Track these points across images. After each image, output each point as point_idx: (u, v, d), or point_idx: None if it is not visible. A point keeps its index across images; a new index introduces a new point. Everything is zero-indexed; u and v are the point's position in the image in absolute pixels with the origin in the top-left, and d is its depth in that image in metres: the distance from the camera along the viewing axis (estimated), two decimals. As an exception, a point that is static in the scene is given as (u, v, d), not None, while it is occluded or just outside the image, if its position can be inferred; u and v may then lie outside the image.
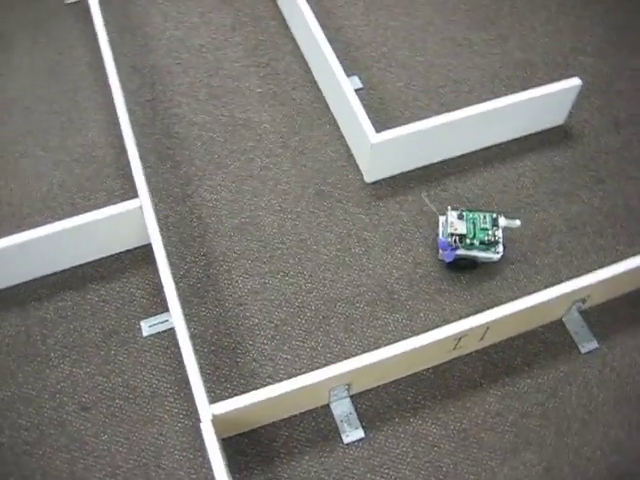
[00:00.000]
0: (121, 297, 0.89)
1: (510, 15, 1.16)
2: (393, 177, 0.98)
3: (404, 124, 0.98)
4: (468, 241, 0.89)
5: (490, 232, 0.89)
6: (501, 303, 0.81)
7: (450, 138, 0.97)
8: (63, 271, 0.90)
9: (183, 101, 1.04)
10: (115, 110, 0.93)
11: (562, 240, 0.94)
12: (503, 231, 0.90)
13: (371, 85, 1.07)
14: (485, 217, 0.90)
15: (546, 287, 0.81)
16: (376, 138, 0.91)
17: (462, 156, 1.00)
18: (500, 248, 0.89)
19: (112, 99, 0.94)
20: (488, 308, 0.80)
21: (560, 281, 0.82)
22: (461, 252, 0.89)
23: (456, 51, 1.11)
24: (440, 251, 0.91)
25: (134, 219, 0.86)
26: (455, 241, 0.88)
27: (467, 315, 0.84)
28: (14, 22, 1.13)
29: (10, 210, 0.95)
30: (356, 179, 0.98)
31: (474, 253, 0.89)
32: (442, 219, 0.91)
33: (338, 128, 1.02)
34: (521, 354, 0.86)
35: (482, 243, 0.89)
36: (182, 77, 1.07)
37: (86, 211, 0.92)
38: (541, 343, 0.87)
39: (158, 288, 0.89)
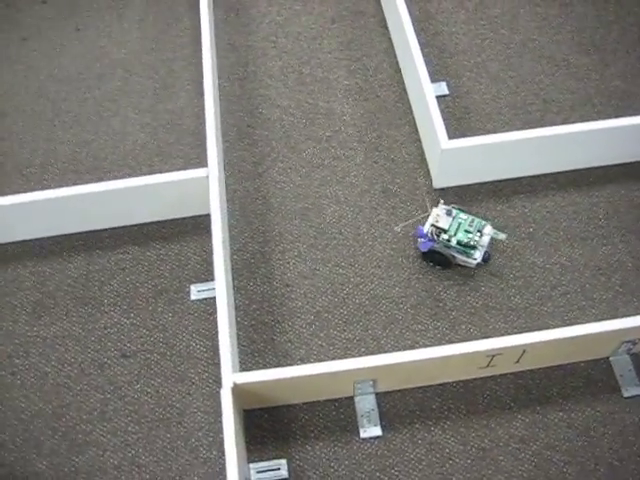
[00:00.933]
0: (178, 259, 0.93)
1: (617, 42, 1.12)
2: (462, 187, 0.98)
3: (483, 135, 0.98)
4: (446, 237, 0.88)
5: (471, 236, 0.88)
6: (546, 329, 0.79)
7: (524, 156, 0.95)
8: (130, 226, 0.95)
9: (272, 84, 1.07)
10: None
11: (626, 278, 0.91)
12: (490, 241, 0.89)
13: (458, 93, 1.06)
14: (473, 221, 0.89)
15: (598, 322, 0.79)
16: (447, 144, 0.91)
17: (536, 176, 0.98)
18: (477, 255, 0.88)
19: (200, 81, 0.98)
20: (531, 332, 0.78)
21: (614, 318, 0.79)
22: (436, 246, 0.89)
23: (552, 71, 1.08)
24: (418, 239, 0.90)
25: (200, 187, 0.90)
26: (432, 233, 0.88)
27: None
28: None
29: (95, 163, 1.01)
30: (425, 183, 0.98)
31: (449, 251, 0.89)
32: (434, 210, 0.90)
33: (416, 131, 1.02)
34: (558, 385, 0.84)
35: (459, 244, 0.88)
36: (275, 61, 1.10)
37: (162, 173, 0.97)
38: (582, 378, 0.84)
39: (212, 257, 0.92)
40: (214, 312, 0.89)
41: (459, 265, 0.91)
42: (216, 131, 0.93)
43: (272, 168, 1.00)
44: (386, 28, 1.13)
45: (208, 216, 0.94)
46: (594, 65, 1.09)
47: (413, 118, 1.04)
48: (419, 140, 1.02)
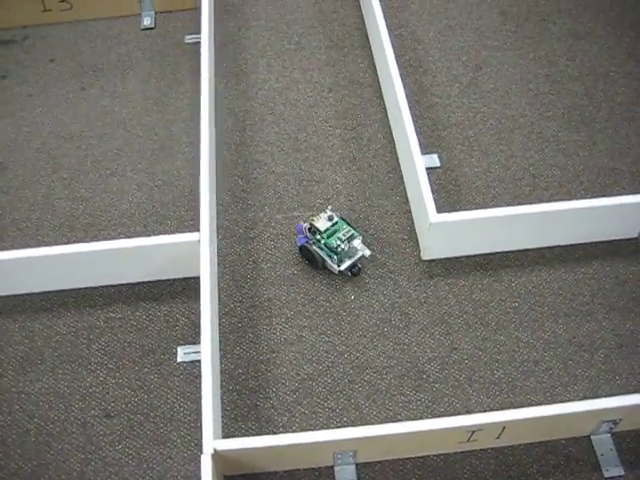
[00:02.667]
0: (166, 320, 0.94)
1: (606, 120, 1.15)
2: (450, 259, 0.99)
3: (473, 209, 1.00)
4: (318, 237, 0.94)
5: (340, 243, 0.94)
6: (529, 406, 0.79)
7: (512, 231, 0.97)
8: (121, 285, 0.97)
9: (267, 150, 1.10)
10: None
11: (609, 356, 0.92)
12: (360, 257, 0.95)
13: (450, 166, 1.09)
14: (348, 231, 0.95)
15: (581, 400, 0.80)
16: (436, 218, 0.93)
17: (523, 251, 1.00)
18: (343, 265, 0.94)
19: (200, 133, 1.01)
20: (514, 408, 0.79)
21: (598, 397, 0.80)
22: (308, 244, 0.95)
23: (542, 147, 1.11)
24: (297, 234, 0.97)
25: (192, 250, 0.91)
26: (306, 230, 0.95)
27: (492, 410, 0.84)
28: (138, 53, 1.24)
29: (91, 220, 1.03)
30: (413, 254, 1.00)
31: (319, 252, 0.95)
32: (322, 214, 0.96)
33: (407, 202, 1.05)
34: (539, 463, 0.84)
35: (327, 246, 0.94)
36: (272, 127, 1.13)
37: (156, 234, 0.99)
38: (563, 456, 0.84)
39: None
40: (199, 375, 0.89)
41: (326, 269, 0.96)
42: (210, 196, 0.95)
43: (264, 233, 1.01)
44: (381, 98, 1.17)
45: (198, 278, 0.96)
46: (583, 142, 1.12)
47: (404, 189, 1.06)
48: (409, 211, 1.04)
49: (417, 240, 1.01)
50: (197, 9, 1.29)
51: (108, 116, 1.15)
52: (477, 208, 1.03)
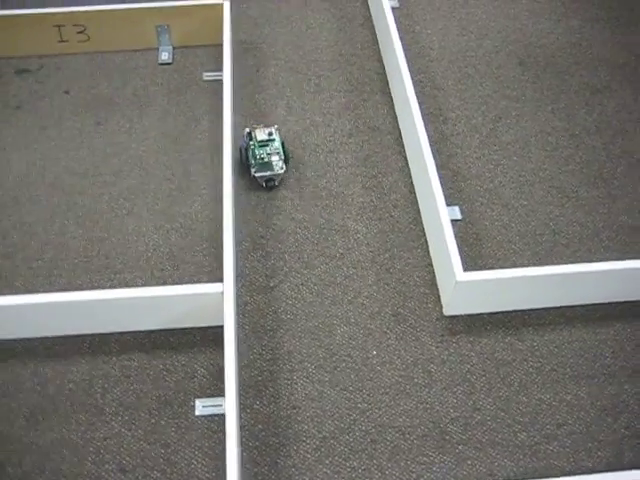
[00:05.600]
0: (184, 371, 0.92)
1: (624, 176, 1.15)
2: (472, 315, 0.98)
3: (493, 264, 1.00)
4: (252, 143, 1.09)
5: (265, 155, 1.08)
6: (553, 474, 0.78)
7: (536, 290, 0.96)
8: (137, 332, 0.94)
9: (287, 195, 1.09)
10: (222, 189, 0.98)
11: (631, 420, 0.91)
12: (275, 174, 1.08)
13: (470, 218, 1.08)
14: (276, 149, 1.08)
15: (607, 467, 0.79)
16: (462, 276, 0.92)
17: (544, 309, 0.99)
18: (258, 173, 1.07)
19: (222, 177, 0.99)
20: (539, 473, 0.78)
21: (622, 464, 0.79)
22: (244, 147, 1.09)
23: (562, 202, 1.11)
24: None
25: (214, 301, 0.89)
26: (247, 134, 1.09)
27: (515, 475, 0.83)
28: (155, 88, 1.22)
29: (106, 262, 1.01)
30: (435, 309, 0.99)
31: (247, 155, 1.09)
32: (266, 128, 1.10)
33: (428, 255, 1.04)
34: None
35: (253, 153, 1.08)
36: (292, 171, 1.12)
37: (172, 279, 0.97)
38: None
39: (220, 371, 0.91)
40: (218, 430, 0.87)
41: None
42: (233, 246, 0.93)
43: (284, 283, 1.00)
44: (402, 146, 1.16)
45: (217, 328, 0.94)
46: (602, 198, 1.12)
47: (426, 241, 1.05)
48: (431, 265, 1.03)
49: (439, 295, 1.00)
50: (216, 46, 1.28)
51: (124, 153, 1.13)
52: (497, 263, 1.03)
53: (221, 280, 0.90)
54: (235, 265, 0.99)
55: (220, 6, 1.23)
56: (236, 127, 1.16)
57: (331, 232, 1.05)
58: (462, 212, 1.08)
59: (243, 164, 1.09)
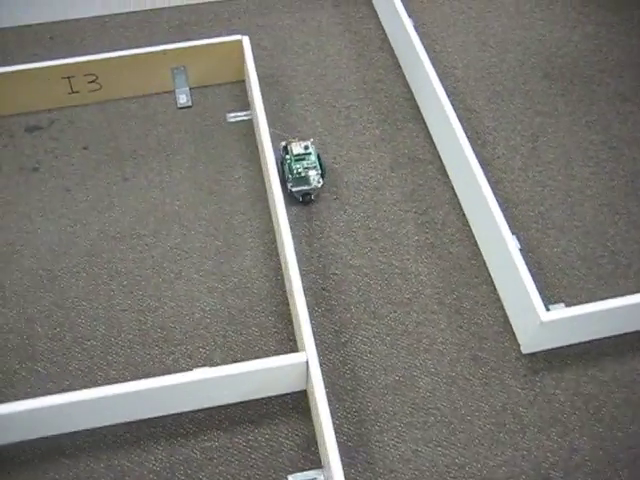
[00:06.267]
0: (269, 445, 0.86)
1: (670, 186, 1.14)
2: (550, 351, 0.95)
3: (561, 293, 0.97)
4: (288, 157, 1.07)
5: (301, 169, 1.06)
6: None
7: (612, 319, 0.94)
8: (211, 408, 0.89)
9: (341, 241, 1.04)
10: (271, 239, 0.93)
11: None
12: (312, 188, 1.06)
13: (529, 247, 1.05)
14: (312, 163, 1.07)
15: None
16: (546, 316, 0.89)
17: (620, 335, 0.97)
18: (295, 188, 1.06)
19: (270, 227, 0.94)
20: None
21: None
22: (280, 159, 1.09)
23: (614, 219, 1.09)
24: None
25: (295, 370, 0.85)
26: (282, 148, 1.09)
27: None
28: (178, 135, 1.15)
29: (163, 334, 0.95)
30: (512, 348, 0.96)
31: (283, 169, 1.07)
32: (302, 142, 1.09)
33: (495, 290, 1.00)
34: None
35: (289, 167, 1.07)
36: (340, 215, 1.07)
37: (237, 345, 0.92)
38: None
39: (307, 440, 0.87)
40: (317, 507, 0.83)
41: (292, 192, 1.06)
42: (307, 308, 0.88)
43: (355, 337, 0.95)
44: (446, 176, 1.12)
45: (297, 394, 0.89)
46: (652, 211, 1.11)
47: (490, 276, 1.02)
48: (499, 300, 1.00)
49: (513, 332, 0.97)
50: (235, 83, 1.22)
51: (159, 210, 1.07)
52: (565, 292, 1.00)
53: (291, 339, 0.85)
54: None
55: (239, 42, 1.17)
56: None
57: (393, 276, 1.01)
58: (520, 241, 1.05)
59: (278, 177, 1.03)
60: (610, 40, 1.34)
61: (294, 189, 1.06)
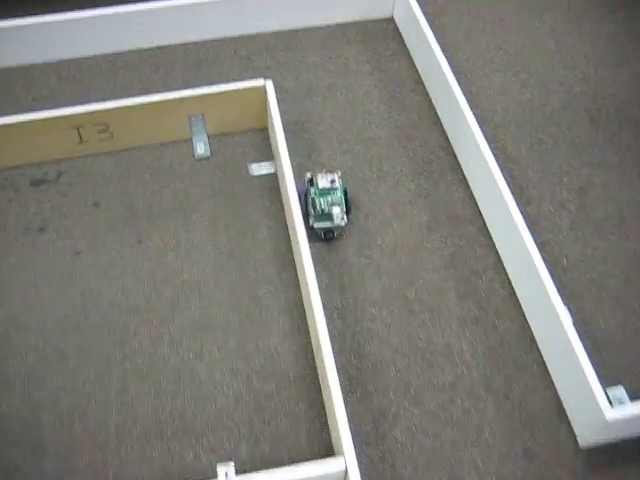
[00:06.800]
0: None
1: None
2: (608, 444, 0.86)
3: (618, 374, 0.89)
4: (313, 191, 1.01)
5: (325, 205, 0.99)
6: None
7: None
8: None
9: (375, 313, 0.95)
10: (300, 312, 0.85)
11: None
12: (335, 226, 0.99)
13: (582, 318, 0.96)
14: (340, 199, 1.00)
15: None
16: (611, 414, 0.79)
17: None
18: (317, 224, 0.99)
19: (299, 298, 0.88)
20: None
21: None
22: (304, 193, 1.02)
23: (675, 287, 1.00)
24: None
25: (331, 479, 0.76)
26: (307, 180, 1.02)
27: None
28: (197, 190, 1.06)
29: (183, 424, 0.86)
30: (568, 440, 0.86)
31: (306, 202, 1.01)
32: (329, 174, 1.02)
33: (547, 372, 0.91)
34: None
35: (313, 202, 1.00)
36: (374, 281, 0.98)
37: (265, 437, 0.83)
38: None
39: None
40: None
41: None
42: (341, 393, 0.79)
43: (394, 427, 0.86)
44: (489, 237, 1.03)
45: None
46: None
47: (540, 355, 0.92)
48: (552, 383, 0.90)
49: (568, 421, 0.87)
50: (256, 130, 1.13)
51: (177, 278, 0.97)
52: (622, 371, 0.91)
53: (324, 429, 0.76)
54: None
55: (261, 87, 1.07)
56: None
57: (434, 355, 0.92)
58: (570, 310, 0.96)
59: (301, 211, 0.96)
60: (660, 79, 1.25)
61: (316, 225, 0.99)
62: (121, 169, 1.08)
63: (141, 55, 1.25)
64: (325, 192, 1.01)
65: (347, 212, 1.01)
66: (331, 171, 1.03)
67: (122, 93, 1.18)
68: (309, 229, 0.99)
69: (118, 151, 1.10)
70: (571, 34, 1.31)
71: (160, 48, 1.26)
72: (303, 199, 1.02)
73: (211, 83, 1.14)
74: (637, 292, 0.99)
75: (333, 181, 1.01)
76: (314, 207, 1.00)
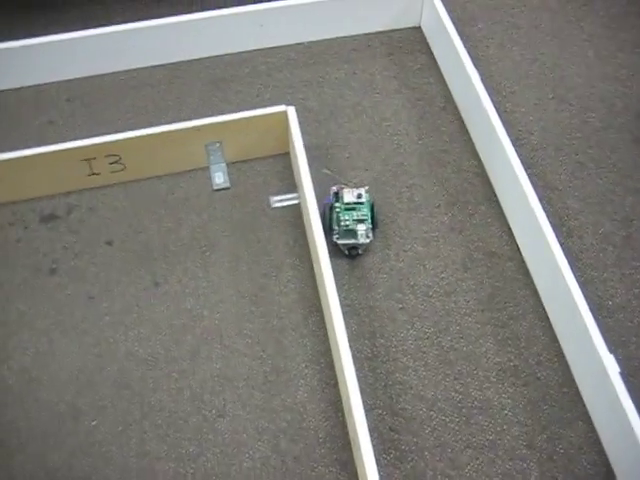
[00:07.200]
0: None
1: None
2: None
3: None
4: (337, 205, 0.97)
5: (350, 220, 0.95)
6: None
7: None
8: None
9: (410, 364, 0.89)
10: (328, 362, 0.80)
11: None
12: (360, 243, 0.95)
13: (630, 368, 0.89)
14: (364, 215, 0.95)
15: None
16: (669, 485, 0.74)
17: None
18: (340, 240, 0.94)
19: (327, 348, 0.83)
20: None
21: None
22: (329, 206, 0.97)
23: None
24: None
25: None
26: (333, 193, 0.98)
27: None
28: (216, 225, 1.00)
29: (206, 490, 0.81)
30: (616, 505, 0.81)
31: (332, 218, 0.96)
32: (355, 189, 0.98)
33: (594, 429, 0.85)
34: None
35: (337, 216, 0.96)
36: (407, 329, 0.91)
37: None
38: None
39: None
40: None
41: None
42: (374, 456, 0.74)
43: (432, 493, 0.81)
44: (528, 276, 0.96)
45: None
46: None
47: (587, 410, 0.86)
48: (599, 442, 0.84)
49: (617, 483, 0.82)
50: (278, 157, 1.07)
51: (197, 324, 0.92)
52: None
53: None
54: None
55: (283, 113, 1.00)
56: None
57: (472, 411, 0.86)
58: (618, 361, 0.89)
59: (324, 225, 0.94)
60: None
61: (340, 242, 0.95)
62: (135, 202, 1.02)
63: (154, 72, 1.18)
64: (350, 207, 0.96)
65: (373, 228, 0.96)
66: (358, 185, 0.99)
67: (134, 115, 1.11)
68: (332, 245, 0.95)
69: (131, 181, 1.04)
70: (610, 42, 1.23)
71: (174, 64, 1.18)
72: (328, 213, 0.97)
73: (229, 103, 1.08)
74: (689, 337, 0.92)
75: (360, 196, 0.97)
76: (338, 223, 0.96)
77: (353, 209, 0.96)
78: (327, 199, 0.98)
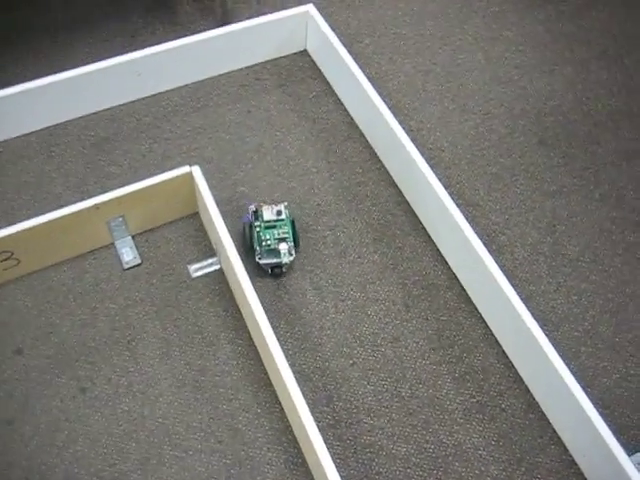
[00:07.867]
0: None
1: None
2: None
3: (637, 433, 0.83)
4: (257, 224, 0.93)
5: (271, 239, 0.92)
6: None
7: None
8: None
9: (375, 423, 0.84)
10: (290, 439, 0.77)
11: None
12: (281, 262, 0.92)
13: (586, 378, 0.89)
14: (285, 233, 0.93)
15: None
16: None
17: None
18: (263, 260, 0.91)
19: (287, 425, 0.78)
20: None
21: None
22: (248, 225, 0.94)
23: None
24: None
25: None
26: (252, 212, 0.95)
27: None
28: (135, 310, 0.91)
29: None
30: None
31: (252, 236, 0.93)
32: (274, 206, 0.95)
33: (566, 450, 0.85)
34: None
35: (258, 236, 0.93)
36: (363, 385, 0.87)
37: None
38: None
39: None
40: None
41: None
42: None
43: None
44: (470, 302, 0.94)
45: None
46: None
47: (555, 432, 0.85)
48: (575, 463, 0.84)
49: (600, 502, 0.82)
50: (187, 218, 0.98)
51: (139, 428, 0.83)
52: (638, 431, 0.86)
53: None
54: None
55: (188, 174, 0.92)
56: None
57: (447, 459, 0.83)
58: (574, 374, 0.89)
59: (246, 244, 0.94)
60: (592, 81, 1.19)
61: (262, 261, 0.92)
62: (37, 298, 0.91)
63: (28, 142, 1.05)
64: (270, 225, 0.93)
65: (296, 245, 0.93)
66: (277, 202, 0.96)
67: (16, 195, 0.99)
68: (255, 265, 0.92)
69: (29, 274, 0.92)
70: (496, 43, 1.23)
71: (48, 129, 1.06)
72: (248, 232, 0.93)
73: (118, 165, 0.98)
74: (630, 334, 0.93)
75: (280, 212, 0.94)
76: (260, 242, 0.92)
77: (274, 227, 0.93)
78: (245, 217, 0.95)
